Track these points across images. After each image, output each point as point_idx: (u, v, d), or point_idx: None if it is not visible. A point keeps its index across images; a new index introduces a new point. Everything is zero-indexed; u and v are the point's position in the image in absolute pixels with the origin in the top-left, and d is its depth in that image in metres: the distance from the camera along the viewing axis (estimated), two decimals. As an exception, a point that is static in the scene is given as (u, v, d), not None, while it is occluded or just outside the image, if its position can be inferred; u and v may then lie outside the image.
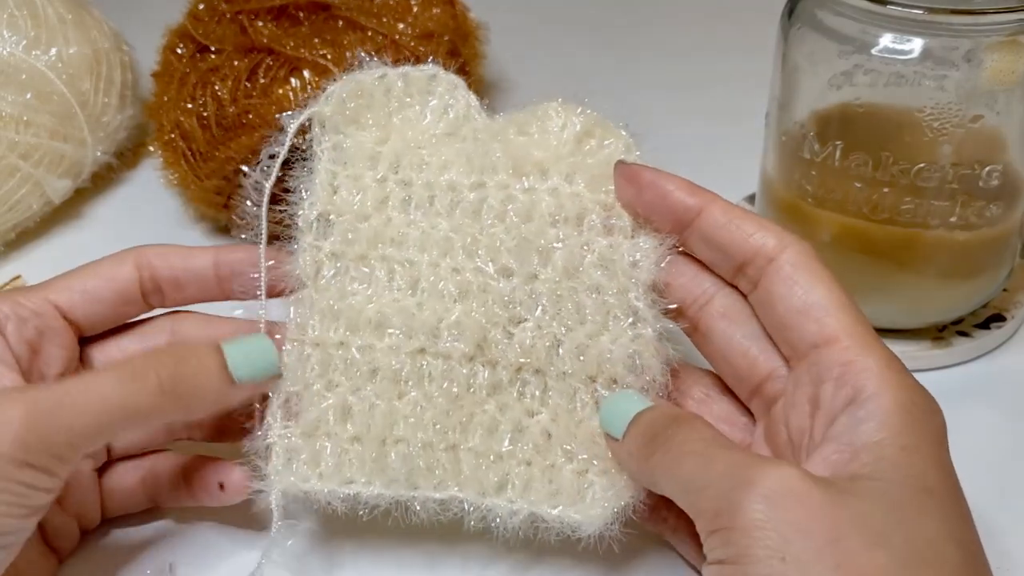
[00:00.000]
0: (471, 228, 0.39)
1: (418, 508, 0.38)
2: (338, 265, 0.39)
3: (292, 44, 0.54)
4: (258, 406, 0.39)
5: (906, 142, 0.45)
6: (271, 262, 0.40)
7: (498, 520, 0.37)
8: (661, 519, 0.39)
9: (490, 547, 0.40)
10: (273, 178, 0.40)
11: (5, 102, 0.56)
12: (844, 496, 0.30)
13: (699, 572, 0.37)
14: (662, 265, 0.38)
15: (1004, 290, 0.52)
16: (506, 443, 0.38)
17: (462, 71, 0.42)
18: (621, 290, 0.38)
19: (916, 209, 0.46)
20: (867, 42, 0.44)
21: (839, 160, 0.46)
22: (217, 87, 0.54)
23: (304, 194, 0.40)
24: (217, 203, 0.56)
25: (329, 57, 0.53)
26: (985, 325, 0.51)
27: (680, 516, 0.36)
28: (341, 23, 0.57)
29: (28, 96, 0.57)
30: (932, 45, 0.43)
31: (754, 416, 0.38)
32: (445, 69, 0.42)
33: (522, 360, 0.38)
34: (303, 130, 0.41)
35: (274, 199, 0.40)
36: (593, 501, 0.37)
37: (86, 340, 0.40)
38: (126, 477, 0.41)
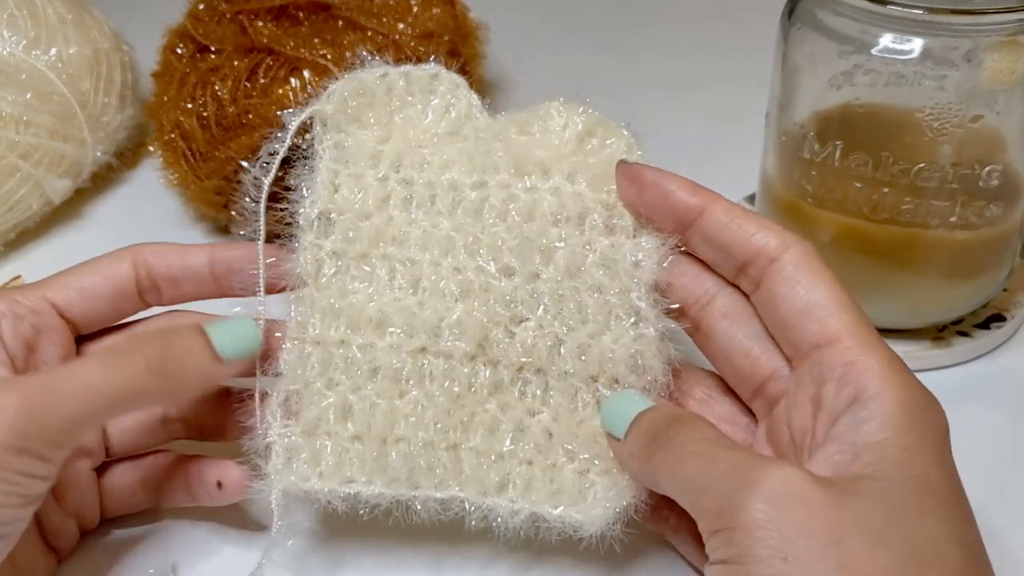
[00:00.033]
0: (473, 227, 0.39)
1: (419, 508, 0.37)
2: (339, 264, 0.39)
3: (292, 44, 0.54)
4: (257, 405, 0.39)
5: (906, 142, 0.45)
6: (271, 259, 0.40)
7: (499, 520, 0.37)
8: (663, 519, 0.39)
9: (491, 547, 0.40)
10: (272, 175, 0.40)
11: (5, 102, 0.56)
12: (846, 496, 0.30)
13: (700, 572, 0.38)
14: (664, 265, 0.38)
15: (1004, 290, 0.52)
16: (507, 442, 0.38)
17: (462, 71, 0.42)
18: (623, 290, 0.38)
19: (916, 209, 0.46)
20: (867, 42, 0.44)
21: (839, 160, 0.46)
22: (217, 87, 0.54)
23: (305, 192, 0.40)
24: (217, 203, 0.56)
25: (329, 57, 0.53)
26: (985, 325, 0.51)
27: (682, 516, 0.37)
28: (341, 23, 0.57)
29: (28, 96, 0.57)
30: (932, 45, 0.43)
31: (756, 416, 0.38)
32: (446, 69, 0.42)
33: (523, 359, 0.38)
34: (304, 129, 0.41)
35: (275, 197, 0.40)
36: (594, 501, 0.37)
37: (83, 338, 0.40)
38: (125, 477, 0.41)
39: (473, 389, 0.38)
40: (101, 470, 0.41)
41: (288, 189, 0.40)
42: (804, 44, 0.47)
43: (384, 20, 0.57)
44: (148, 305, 0.41)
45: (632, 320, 0.38)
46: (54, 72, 0.58)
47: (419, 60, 0.42)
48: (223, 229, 0.59)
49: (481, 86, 0.66)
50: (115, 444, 0.41)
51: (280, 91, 0.53)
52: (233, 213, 0.39)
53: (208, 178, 0.54)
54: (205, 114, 0.54)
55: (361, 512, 0.38)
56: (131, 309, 0.41)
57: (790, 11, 0.48)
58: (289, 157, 0.40)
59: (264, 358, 0.39)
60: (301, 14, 0.57)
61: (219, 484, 0.39)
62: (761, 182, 0.53)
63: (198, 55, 0.56)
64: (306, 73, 0.53)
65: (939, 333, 0.50)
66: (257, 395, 0.39)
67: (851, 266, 0.46)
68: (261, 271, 0.40)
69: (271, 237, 0.40)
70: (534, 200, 0.40)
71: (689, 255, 0.39)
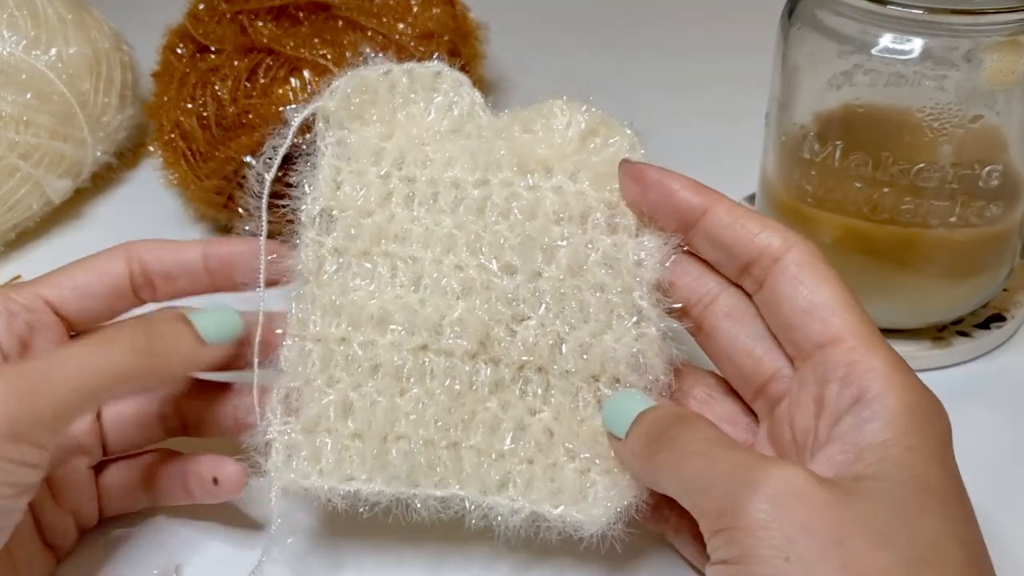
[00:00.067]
0: (475, 225, 0.39)
1: (419, 506, 0.37)
2: (340, 261, 0.39)
3: (292, 44, 0.54)
4: (256, 402, 0.39)
5: (906, 142, 0.45)
6: (272, 255, 0.40)
7: (499, 519, 0.37)
8: (663, 519, 0.39)
9: (491, 546, 0.40)
10: (275, 170, 0.40)
11: (5, 102, 0.56)
12: (848, 496, 0.30)
13: (701, 573, 0.38)
14: (666, 264, 0.38)
15: (1004, 290, 0.52)
16: (508, 441, 0.38)
17: (462, 71, 0.42)
18: (625, 289, 0.38)
19: (916, 209, 0.46)
20: (867, 42, 0.44)
21: (839, 160, 0.46)
22: (217, 87, 0.54)
23: (307, 189, 0.40)
24: (217, 203, 0.56)
25: (329, 57, 0.53)
26: (985, 325, 0.51)
27: (683, 516, 0.36)
28: (341, 23, 0.57)
29: (28, 96, 0.57)
30: (932, 45, 0.43)
31: (757, 417, 0.38)
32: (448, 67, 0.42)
33: (525, 358, 0.38)
34: (307, 127, 0.41)
35: (278, 195, 0.40)
36: (595, 500, 0.37)
37: (77, 336, 0.40)
38: (122, 475, 0.41)
39: (474, 387, 0.38)
40: (99, 469, 0.41)
41: (291, 186, 0.40)
42: (804, 44, 0.47)
43: (384, 20, 0.57)
44: (143, 302, 0.41)
45: (634, 319, 0.38)
46: (54, 72, 0.58)
47: (420, 60, 0.42)
48: (223, 229, 0.59)
49: (481, 86, 0.65)
50: (112, 442, 0.41)
51: (280, 91, 0.53)
52: (239, 208, 0.39)
53: (208, 178, 0.54)
54: (205, 114, 0.54)
55: (361, 510, 0.37)
56: (126, 306, 0.41)
57: (790, 11, 0.48)
58: (292, 154, 0.40)
59: (264, 352, 0.39)
60: (301, 14, 0.57)
61: (215, 480, 0.39)
62: (761, 182, 0.53)
63: (198, 55, 0.56)
64: (306, 73, 0.53)
65: (939, 333, 0.50)
66: (256, 392, 0.39)
67: (851, 266, 0.46)
68: (262, 264, 0.40)
69: (273, 235, 0.40)
70: (536, 198, 0.40)
71: (692, 255, 0.39)
